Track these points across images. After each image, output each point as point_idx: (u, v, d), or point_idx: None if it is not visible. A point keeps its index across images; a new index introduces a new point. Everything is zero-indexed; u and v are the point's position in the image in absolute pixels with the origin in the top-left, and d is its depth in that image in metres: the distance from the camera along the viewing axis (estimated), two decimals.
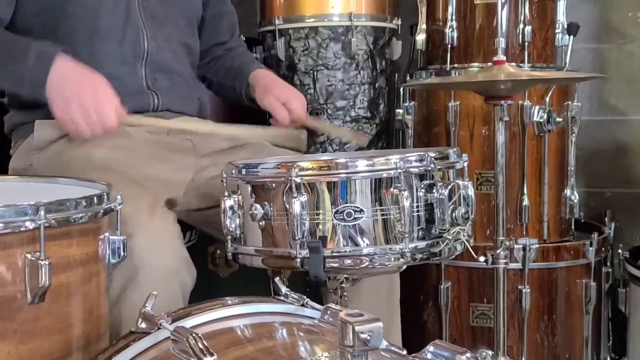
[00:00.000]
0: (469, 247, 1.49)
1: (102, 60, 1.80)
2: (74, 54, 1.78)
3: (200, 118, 1.98)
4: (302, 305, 1.15)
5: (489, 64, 1.76)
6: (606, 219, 2.48)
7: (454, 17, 2.25)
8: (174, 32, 1.93)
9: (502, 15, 2.16)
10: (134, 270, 1.46)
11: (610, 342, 2.40)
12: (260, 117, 2.46)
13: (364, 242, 1.41)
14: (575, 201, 2.28)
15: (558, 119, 2.21)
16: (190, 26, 2.01)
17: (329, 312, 1.11)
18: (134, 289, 1.46)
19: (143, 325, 1.06)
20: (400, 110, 2.32)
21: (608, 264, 2.34)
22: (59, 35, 1.79)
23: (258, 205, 1.44)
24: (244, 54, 2.16)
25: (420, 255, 1.44)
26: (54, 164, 1.74)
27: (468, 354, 0.94)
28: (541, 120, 2.19)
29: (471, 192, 1.47)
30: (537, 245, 2.17)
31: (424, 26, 2.37)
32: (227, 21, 2.15)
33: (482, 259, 1.69)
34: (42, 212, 1.10)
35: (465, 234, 1.46)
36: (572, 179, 2.29)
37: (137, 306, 1.17)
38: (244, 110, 2.21)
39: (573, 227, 2.35)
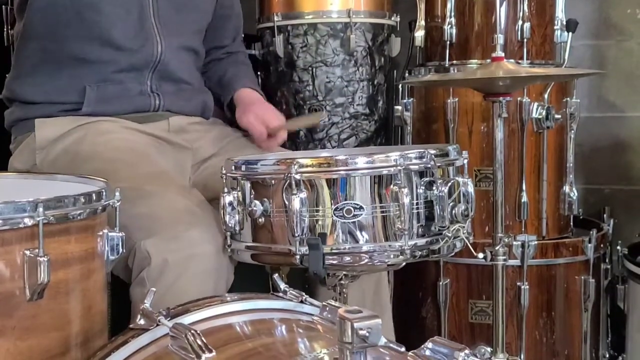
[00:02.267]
0: (469, 244, 1.49)
1: (110, 67, 1.80)
2: (81, 58, 1.78)
3: (203, 119, 1.98)
4: (301, 301, 1.15)
5: (488, 60, 1.75)
6: (605, 215, 2.48)
7: (452, 14, 2.24)
8: (187, 39, 1.92)
9: (501, 11, 2.16)
10: (189, 259, 1.48)
11: (609, 338, 2.40)
12: None
13: (363, 239, 1.41)
14: (574, 198, 2.27)
15: (557, 116, 2.20)
16: (200, 32, 2.00)
17: (327, 308, 1.11)
18: (190, 276, 1.48)
19: (142, 321, 1.06)
20: (399, 107, 2.32)
21: (607, 260, 2.34)
22: (65, 36, 1.78)
23: (257, 202, 1.44)
24: (239, 63, 2.15)
25: (420, 253, 1.44)
26: (62, 164, 1.73)
27: (467, 351, 0.93)
28: (540, 117, 2.18)
29: (471, 189, 1.47)
30: (536, 242, 2.17)
31: (423, 23, 2.36)
32: (232, 25, 2.13)
33: (480, 255, 1.68)
34: (40, 209, 1.09)
35: (464, 231, 1.46)
36: (571, 176, 2.29)
37: (190, 292, 1.29)
38: None
39: (572, 223, 2.35)
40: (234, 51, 2.15)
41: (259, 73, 2.41)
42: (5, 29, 2.32)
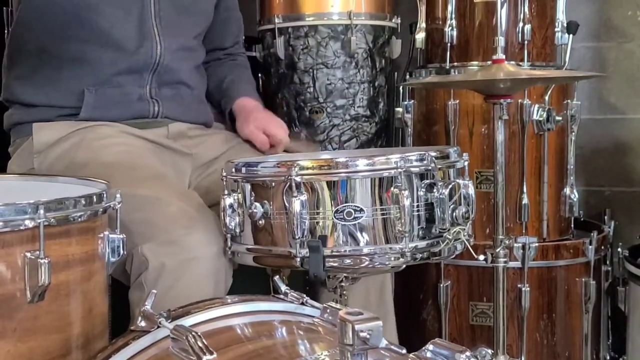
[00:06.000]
0: (469, 246, 1.49)
1: (109, 68, 1.79)
2: (80, 59, 1.77)
3: (204, 126, 1.98)
4: (302, 303, 1.15)
5: (489, 62, 1.75)
6: (605, 217, 2.47)
7: (453, 16, 2.24)
8: (186, 41, 1.92)
9: (502, 13, 2.15)
10: (187, 263, 1.48)
11: (610, 340, 2.40)
12: None
13: (364, 241, 1.41)
14: (575, 200, 2.27)
15: (557, 118, 2.20)
16: (200, 34, 2.00)
17: (328, 310, 1.11)
18: (188, 280, 1.48)
19: (143, 323, 1.06)
20: (400, 109, 2.32)
21: (607, 262, 2.33)
22: (63, 37, 1.77)
23: (258, 204, 1.44)
24: (239, 66, 2.14)
25: (420, 255, 1.44)
26: (60, 168, 1.73)
27: (467, 353, 0.94)
28: (541, 118, 2.18)
29: (471, 191, 1.47)
30: (537, 244, 2.17)
31: (424, 25, 2.36)
32: (233, 27, 2.13)
33: (481, 257, 1.68)
34: (41, 211, 1.10)
35: (465, 233, 1.46)
36: (572, 178, 2.29)
37: (188, 296, 1.27)
38: None
39: (572, 225, 2.35)
40: (234, 52, 2.15)
41: (259, 75, 2.41)
42: (5, 31, 2.32)
